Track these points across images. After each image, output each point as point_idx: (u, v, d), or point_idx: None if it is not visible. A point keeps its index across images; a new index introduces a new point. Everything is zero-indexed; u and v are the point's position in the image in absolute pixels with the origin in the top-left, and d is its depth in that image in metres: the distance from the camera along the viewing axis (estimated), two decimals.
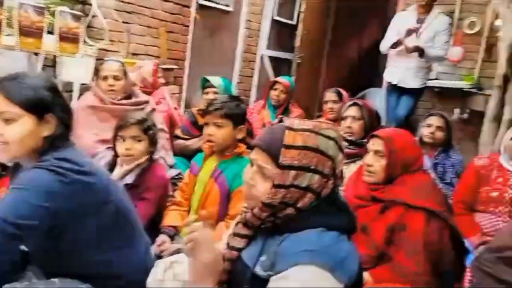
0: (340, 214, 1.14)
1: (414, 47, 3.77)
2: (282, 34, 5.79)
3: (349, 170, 2.29)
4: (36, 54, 2.83)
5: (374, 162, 1.87)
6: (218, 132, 2.00)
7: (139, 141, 2.07)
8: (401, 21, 4.02)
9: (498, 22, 3.68)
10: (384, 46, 4.08)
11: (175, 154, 2.94)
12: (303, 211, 1.10)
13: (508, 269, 1.43)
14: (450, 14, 5.16)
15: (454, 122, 5.05)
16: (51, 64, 3.10)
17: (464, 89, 4.99)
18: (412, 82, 4.03)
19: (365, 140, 2.02)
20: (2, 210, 1.21)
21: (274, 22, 5.62)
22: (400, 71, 4.05)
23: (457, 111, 5.11)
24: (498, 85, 3.08)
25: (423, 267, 1.71)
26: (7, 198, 1.25)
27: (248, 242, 1.20)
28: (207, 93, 3.06)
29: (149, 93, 3.08)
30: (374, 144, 1.87)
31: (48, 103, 1.31)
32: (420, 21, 3.90)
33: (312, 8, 5.86)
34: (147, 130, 2.10)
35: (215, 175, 1.97)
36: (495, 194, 2.42)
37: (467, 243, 2.36)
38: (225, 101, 2.02)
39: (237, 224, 1.25)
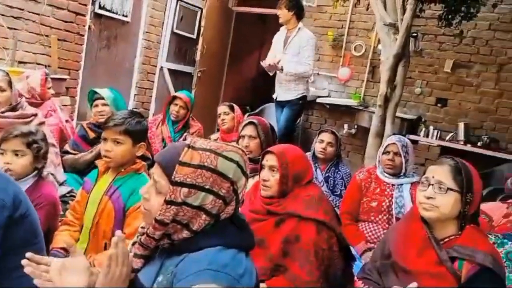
0: (238, 232, 1.15)
1: (273, 65, 4.09)
2: (183, 47, 5.78)
3: (248, 185, 2.36)
4: None
5: (269, 177, 1.94)
6: (116, 148, 1.93)
7: (22, 155, 1.93)
8: (275, 41, 4.39)
9: (380, 46, 4.06)
10: (264, 64, 4.37)
11: (65, 171, 2.77)
12: (200, 232, 1.10)
13: (380, 276, 1.58)
14: (340, 37, 5.60)
15: (343, 136, 5.47)
16: None
17: (352, 106, 5.42)
18: (286, 95, 4.34)
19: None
20: None
21: (175, 35, 5.59)
22: (277, 87, 4.42)
23: (346, 126, 5.52)
24: (379, 104, 3.39)
25: (315, 276, 1.81)
26: None
27: (145, 262, 1.17)
28: (96, 105, 2.94)
29: (37, 105, 2.87)
30: (268, 160, 1.96)
31: None
32: (287, 38, 4.27)
33: (212, 23, 5.95)
34: (31, 144, 1.95)
35: (110, 192, 1.89)
36: (374, 204, 2.65)
37: (353, 250, 2.56)
38: (125, 117, 1.96)
39: (134, 243, 1.22)
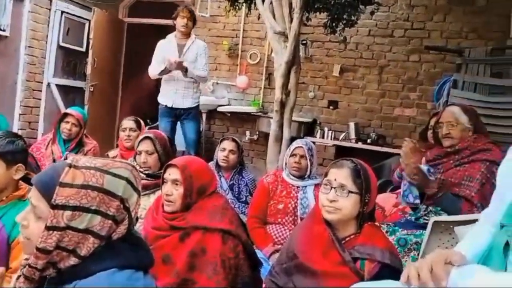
0: (133, 251, 1.09)
1: (178, 63, 4.03)
2: (71, 61, 5.46)
3: (149, 202, 2.28)
4: None
5: (172, 191, 1.90)
6: None
7: None
8: (163, 48, 4.30)
9: (273, 54, 4.21)
10: (152, 72, 4.29)
11: None
12: (90, 257, 1.02)
13: (287, 278, 1.62)
14: (235, 46, 5.71)
15: (246, 143, 5.57)
16: None
17: (252, 113, 5.54)
18: (185, 102, 4.28)
19: (162, 171, 2.03)
20: None
21: (61, 49, 5.27)
22: (171, 93, 4.29)
23: (248, 133, 5.63)
24: (276, 110, 3.50)
25: (223, 286, 1.80)
26: None
27: None
28: None
29: None
30: (171, 174, 1.91)
31: None
32: (181, 46, 4.24)
33: (102, 36, 5.70)
34: None
35: None
36: (281, 206, 2.73)
37: (261, 254, 2.61)
38: None
39: (18, 278, 1.11)
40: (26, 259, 1.09)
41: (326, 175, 1.67)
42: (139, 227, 2.27)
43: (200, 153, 4.60)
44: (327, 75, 5.47)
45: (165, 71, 4.13)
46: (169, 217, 1.93)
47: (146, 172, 2.50)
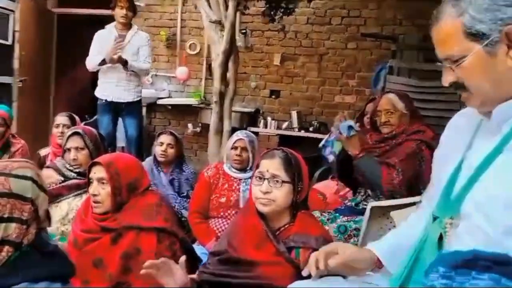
0: (47, 260, 1.03)
1: (117, 57, 3.86)
2: None
3: (79, 203, 2.16)
4: None
5: (99, 190, 1.79)
6: None
7: None
8: (102, 39, 4.08)
9: (210, 44, 4.12)
10: (90, 64, 4.06)
11: None
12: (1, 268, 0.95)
13: (222, 266, 1.58)
14: (173, 36, 5.56)
15: (189, 136, 5.47)
16: None
17: (194, 105, 5.44)
18: (127, 96, 4.09)
19: None
20: None
21: None
22: (111, 86, 4.07)
23: (190, 125, 5.52)
24: (215, 101, 3.43)
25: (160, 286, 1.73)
26: None
27: None
28: None
29: None
30: (96, 172, 1.80)
31: None
32: (122, 36, 4.04)
33: (29, 27, 5.35)
34: None
35: None
36: (223, 199, 2.67)
37: (204, 249, 2.55)
38: None
39: None
40: None
41: (257, 167, 1.63)
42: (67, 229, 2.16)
43: (142, 149, 4.42)
44: (268, 64, 5.46)
45: (103, 62, 3.93)
46: (99, 218, 1.82)
47: (77, 170, 2.37)
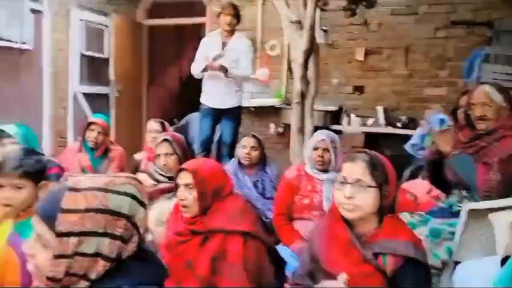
0: (144, 267, 1.06)
1: (219, 66, 3.93)
2: (95, 68, 5.53)
3: (172, 205, 2.27)
4: None
5: (186, 196, 1.87)
6: (18, 194, 1.73)
7: None
8: (207, 46, 4.20)
9: (290, 44, 4.10)
10: (195, 70, 4.19)
11: None
12: (98, 281, 1.00)
13: (312, 282, 1.55)
14: (253, 38, 5.62)
15: (272, 136, 5.50)
16: None
17: (276, 106, 5.46)
18: (226, 102, 4.16)
19: None
20: None
21: (84, 57, 5.34)
22: (212, 93, 4.17)
23: (272, 126, 5.55)
24: (297, 101, 3.41)
25: None
26: None
27: None
28: (3, 144, 2.69)
29: None
30: (183, 178, 1.88)
31: None
32: (224, 44, 4.12)
33: (123, 40, 5.75)
34: None
35: (12, 240, 1.71)
36: (306, 201, 2.65)
37: (290, 250, 2.55)
38: (20, 157, 1.78)
39: None
40: None
41: (340, 170, 1.58)
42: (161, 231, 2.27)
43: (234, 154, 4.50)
44: (351, 60, 5.30)
45: (205, 70, 4.03)
46: (188, 221, 1.90)
47: (167, 174, 2.49)
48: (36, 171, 1.79)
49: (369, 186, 1.50)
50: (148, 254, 1.11)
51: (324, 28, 5.17)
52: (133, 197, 1.04)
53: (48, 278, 0.97)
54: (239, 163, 3.18)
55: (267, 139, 4.68)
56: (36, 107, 4.84)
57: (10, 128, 2.75)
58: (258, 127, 5.62)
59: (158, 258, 1.16)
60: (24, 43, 4.58)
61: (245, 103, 5.55)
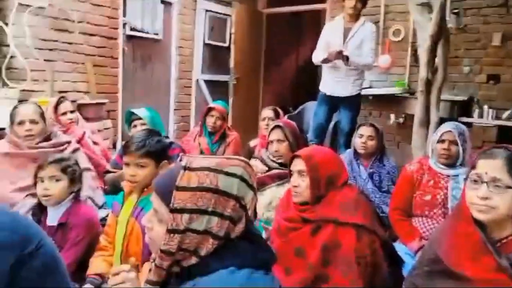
0: (252, 249, 1.07)
1: (337, 53, 3.80)
2: (216, 56, 5.79)
3: (284, 191, 2.27)
4: None
5: (299, 182, 1.84)
6: (141, 172, 1.90)
7: (58, 180, 2.04)
8: (330, 31, 4.08)
9: (417, 28, 3.81)
10: (315, 58, 4.11)
11: (108, 192, 2.80)
12: (207, 257, 1.03)
13: (429, 283, 1.41)
14: (376, 23, 5.35)
15: (391, 127, 5.22)
16: None
17: (397, 95, 5.15)
18: (344, 90, 4.03)
19: None
20: None
21: (207, 46, 5.61)
22: (331, 81, 4.07)
23: (392, 116, 5.26)
24: (421, 90, 3.16)
25: (359, 284, 1.68)
26: None
27: None
28: (135, 126, 2.94)
29: (66, 132, 2.93)
30: (296, 165, 1.85)
31: None
32: (347, 30, 3.97)
33: (243, 29, 5.91)
34: (66, 168, 2.07)
35: (136, 213, 1.87)
36: (428, 197, 2.45)
37: (407, 249, 2.38)
38: (144, 138, 1.93)
39: (149, 271, 1.17)
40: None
41: (474, 167, 1.39)
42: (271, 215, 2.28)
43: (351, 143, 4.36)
44: (485, 45, 4.77)
45: (326, 61, 3.95)
46: (300, 208, 1.87)
47: (279, 161, 2.50)
48: (157, 151, 1.92)
49: (508, 187, 1.31)
50: (256, 237, 1.11)
51: (455, 10, 4.72)
52: (242, 179, 1.05)
53: (162, 251, 1.02)
54: (355, 152, 3.06)
55: (386, 130, 4.45)
56: (164, 94, 5.23)
57: (142, 112, 3.00)
58: (376, 117, 5.38)
59: (266, 242, 1.16)
60: (156, 33, 4.95)
61: (363, 92, 5.36)
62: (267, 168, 2.53)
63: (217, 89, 5.78)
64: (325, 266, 1.75)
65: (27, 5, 3.64)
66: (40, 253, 1.32)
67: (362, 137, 3.01)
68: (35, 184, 2.07)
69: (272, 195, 2.41)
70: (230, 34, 5.80)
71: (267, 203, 2.39)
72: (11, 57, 3.59)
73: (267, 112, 3.71)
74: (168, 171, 1.11)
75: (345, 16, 4.00)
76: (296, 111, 5.40)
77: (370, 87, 5.43)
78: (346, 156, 3.10)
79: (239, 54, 5.83)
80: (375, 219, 1.83)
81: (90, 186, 2.59)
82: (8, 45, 3.57)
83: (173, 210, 1.01)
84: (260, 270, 1.05)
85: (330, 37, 4.01)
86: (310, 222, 1.82)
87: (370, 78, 5.46)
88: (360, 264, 1.70)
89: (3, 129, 2.84)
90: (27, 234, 1.31)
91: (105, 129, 4.18)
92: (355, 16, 3.96)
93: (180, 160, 1.14)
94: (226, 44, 5.87)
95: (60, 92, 3.88)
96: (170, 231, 1.01)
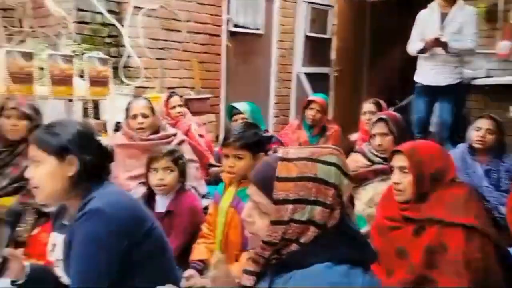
0: (350, 244, 1.04)
1: (435, 40, 3.56)
2: (317, 49, 5.72)
3: (382, 188, 2.17)
4: (70, 100, 2.96)
5: (401, 179, 1.73)
6: (238, 163, 1.95)
7: (171, 171, 2.17)
8: (424, 19, 3.84)
9: None
10: (411, 49, 3.91)
11: (210, 183, 2.93)
12: (307, 245, 1.02)
13: None
14: (494, 7, 4.88)
15: (510, 120, 4.71)
16: (91, 106, 3.16)
17: None
18: (443, 79, 3.77)
19: None
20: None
21: (307, 38, 5.58)
22: (428, 70, 3.83)
23: None
24: None
25: None
26: (73, 267, 1.33)
27: (257, 279, 1.13)
28: (235, 120, 3.03)
29: (174, 125, 3.11)
30: (398, 160, 1.75)
31: (67, 146, 1.38)
32: (444, 15, 3.70)
33: (346, 19, 5.76)
34: (178, 160, 2.20)
35: (235, 203, 1.92)
36: None
37: None
38: (241, 131, 1.98)
39: (248, 259, 1.19)
40: None
41: None
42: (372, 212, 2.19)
43: (455, 136, 4.04)
44: None
45: (424, 51, 3.76)
46: (401, 207, 1.76)
47: (382, 155, 2.39)
48: (254, 143, 1.96)
49: None
50: (353, 231, 1.08)
51: None
52: (338, 167, 1.04)
53: (264, 242, 1.03)
54: (470, 147, 2.80)
55: (505, 124, 4.03)
56: (264, 88, 5.32)
57: (242, 106, 3.08)
58: (493, 108, 4.89)
59: (364, 238, 1.12)
60: (257, 28, 5.04)
61: (478, 82, 4.92)
62: (369, 163, 2.44)
63: (318, 82, 5.71)
64: (430, 269, 1.64)
65: (141, 8, 3.93)
66: (152, 235, 1.44)
67: (480, 130, 2.73)
68: (146, 173, 2.22)
69: (374, 190, 2.32)
70: (332, 25, 5.69)
71: (369, 199, 2.31)
72: (128, 56, 3.91)
73: (368, 106, 3.57)
74: (263, 164, 1.11)
75: (440, 1, 3.74)
76: (403, 103, 5.13)
77: (487, 77, 4.96)
78: (458, 150, 2.85)
79: (341, 46, 5.70)
80: (487, 220, 1.66)
81: (194, 177, 2.73)
82: (124, 46, 3.89)
83: (276, 201, 1.01)
84: (358, 267, 1.01)
85: (425, 24, 3.78)
86: (413, 222, 1.71)
87: (488, 66, 4.98)
88: (470, 269, 1.56)
89: (120, 122, 3.11)
90: (143, 216, 1.44)
91: (209, 122, 4.37)
92: (452, 0, 3.67)
93: (274, 152, 1.14)
94: (328, 36, 5.77)
95: (169, 88, 4.14)
96: (274, 223, 1.01)
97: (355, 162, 2.47)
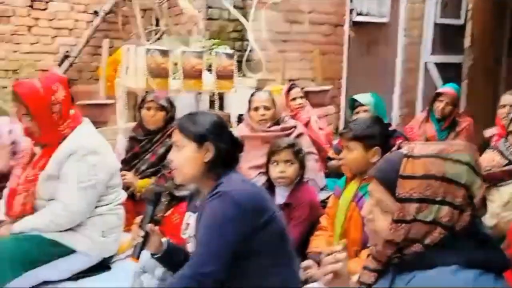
0: (480, 249, 0.97)
1: None
2: (448, 36, 5.32)
3: None
4: (199, 93, 3.18)
5: None
6: (349, 155, 1.94)
7: (291, 164, 2.21)
8: None
9: None
10: None
11: (329, 176, 2.92)
12: (432, 246, 0.97)
13: None
14: None
15: None
16: (217, 98, 3.35)
17: None
18: None
19: None
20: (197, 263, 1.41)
21: (438, 25, 5.22)
22: None
23: None
24: None
25: None
26: (200, 250, 1.45)
27: (378, 276, 1.11)
28: (357, 112, 2.96)
29: (293, 117, 3.14)
30: None
31: (206, 134, 1.51)
32: None
33: (481, 4, 5.22)
34: (298, 153, 2.23)
35: (357, 199, 1.89)
36: None
37: None
38: (357, 123, 1.96)
39: (368, 255, 1.17)
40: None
41: None
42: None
43: None
44: None
45: None
46: None
47: None
48: (365, 136, 1.92)
49: None
50: (483, 235, 1.01)
51: None
52: (470, 166, 0.97)
53: (386, 241, 1.00)
54: None
55: None
56: (388, 78, 5.10)
57: (365, 98, 3.00)
58: None
59: (495, 243, 1.04)
60: (383, 16, 4.85)
61: None
62: (506, 162, 2.20)
63: (448, 72, 5.30)
64: None
65: (264, 2, 4.03)
66: (275, 223, 1.50)
67: None
68: (267, 165, 2.28)
69: (510, 192, 2.09)
70: (467, 10, 5.22)
71: (505, 201, 2.09)
72: (250, 50, 4.06)
73: (507, 98, 3.19)
74: (387, 160, 1.08)
75: None
76: None
77: None
78: None
79: (477, 32, 5.19)
80: None
81: (313, 169, 2.74)
82: (247, 40, 4.04)
83: (399, 200, 0.98)
84: (491, 273, 0.94)
85: None
86: None
87: None
88: None
89: (242, 115, 3.25)
90: (265, 205, 1.51)
91: (329, 115, 4.34)
92: None
93: (399, 148, 1.09)
94: (461, 22, 5.31)
95: (290, 80, 4.19)
96: (397, 221, 0.99)
97: (490, 160, 2.25)
